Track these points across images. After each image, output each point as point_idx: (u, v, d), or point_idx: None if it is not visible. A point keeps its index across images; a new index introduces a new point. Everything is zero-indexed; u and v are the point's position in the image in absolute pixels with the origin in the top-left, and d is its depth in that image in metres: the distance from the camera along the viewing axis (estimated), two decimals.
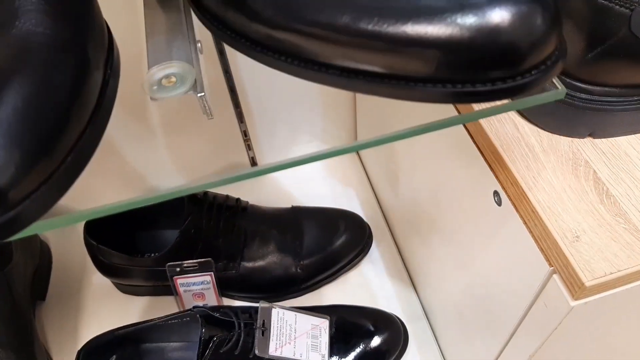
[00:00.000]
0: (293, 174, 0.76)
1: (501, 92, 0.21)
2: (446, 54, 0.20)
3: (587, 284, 0.28)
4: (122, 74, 0.27)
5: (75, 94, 0.22)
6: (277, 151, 0.75)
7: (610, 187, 0.32)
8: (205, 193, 0.63)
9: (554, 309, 0.32)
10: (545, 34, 0.21)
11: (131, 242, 0.64)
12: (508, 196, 0.34)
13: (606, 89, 0.32)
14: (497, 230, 0.37)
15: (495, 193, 0.36)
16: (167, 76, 0.27)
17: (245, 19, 0.25)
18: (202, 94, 0.27)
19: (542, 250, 0.32)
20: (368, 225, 0.68)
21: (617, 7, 0.29)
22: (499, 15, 0.20)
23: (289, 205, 0.68)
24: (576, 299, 0.30)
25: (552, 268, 0.31)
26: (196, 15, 0.29)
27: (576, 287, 0.29)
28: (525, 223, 0.33)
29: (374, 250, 0.68)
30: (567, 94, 0.33)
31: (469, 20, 0.20)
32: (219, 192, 0.64)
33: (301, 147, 0.75)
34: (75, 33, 0.24)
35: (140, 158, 0.69)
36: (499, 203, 0.35)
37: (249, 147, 0.74)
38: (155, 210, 0.64)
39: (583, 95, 0.32)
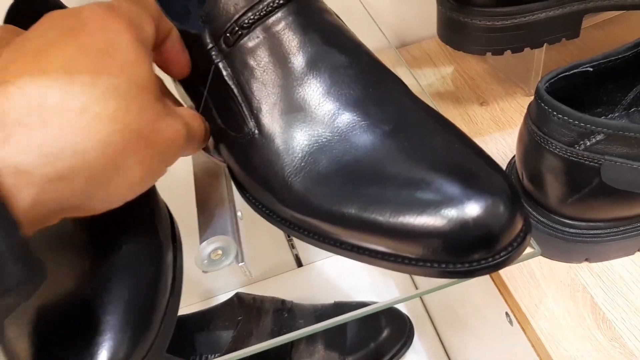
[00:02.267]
0: (333, 266, 0.82)
1: (477, 271, 0.26)
2: (428, 241, 0.26)
3: None
4: None
5: (160, 274, 0.29)
6: (318, 249, 0.81)
7: (606, 311, 0.36)
8: (254, 298, 0.69)
9: None
10: (509, 220, 0.25)
11: (189, 347, 0.71)
12: (517, 319, 0.38)
13: (591, 223, 0.36)
14: (512, 346, 0.41)
15: (507, 314, 0.40)
16: (215, 250, 0.33)
17: (276, 203, 0.32)
18: (242, 263, 0.33)
19: None
20: (408, 317, 0.71)
21: (587, 162, 0.33)
22: (470, 210, 0.25)
23: (332, 301, 0.73)
24: None
25: None
26: (238, 192, 0.36)
27: None
28: (533, 346, 0.37)
29: (416, 341, 0.71)
30: (556, 229, 0.37)
31: (447, 213, 0.25)
32: (266, 295, 0.70)
33: None
34: (150, 225, 0.31)
35: (192, 263, 0.77)
36: (511, 323, 0.39)
37: (292, 246, 0.81)
38: (210, 316, 0.70)
39: (572, 230, 0.37)
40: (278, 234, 0.77)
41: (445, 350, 0.70)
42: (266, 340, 0.66)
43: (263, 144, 0.31)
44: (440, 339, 0.71)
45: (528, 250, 0.30)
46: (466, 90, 0.53)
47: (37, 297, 0.27)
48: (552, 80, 0.35)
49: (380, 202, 0.27)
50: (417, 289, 0.76)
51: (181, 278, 0.32)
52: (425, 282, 0.64)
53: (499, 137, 0.48)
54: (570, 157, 0.34)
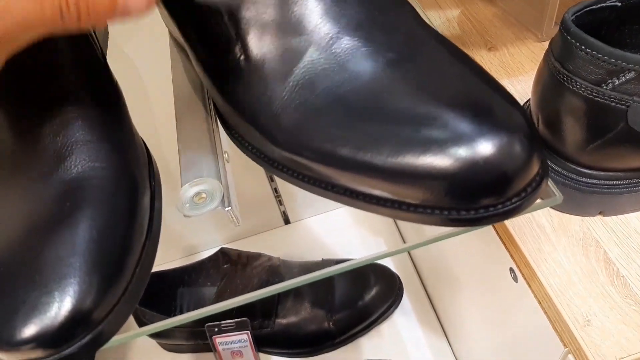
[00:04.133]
0: (322, 224, 0.79)
1: (484, 219, 0.23)
2: (432, 184, 0.22)
3: None
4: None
5: (135, 213, 0.25)
6: (306, 205, 0.78)
7: (620, 267, 0.33)
8: (239, 254, 0.66)
9: None
10: (525, 162, 0.22)
11: (170, 302, 0.68)
12: (523, 275, 0.36)
13: (610, 173, 0.33)
14: (515, 304, 0.38)
15: (511, 270, 0.37)
16: (198, 193, 0.30)
17: (263, 141, 0.28)
18: (229, 208, 0.30)
19: (556, 331, 0.33)
20: (398, 276, 0.69)
21: (613, 104, 0.30)
22: (482, 148, 0.21)
23: (319, 259, 0.70)
24: None
25: (567, 349, 0.32)
26: (223, 128, 0.32)
27: None
28: (539, 303, 0.34)
29: (405, 301, 0.70)
30: (572, 179, 0.34)
31: (454, 152, 0.22)
32: (252, 251, 0.67)
33: (329, 201, 0.77)
34: (123, 158, 0.27)
35: (175, 216, 0.73)
36: (516, 280, 0.37)
37: (280, 203, 0.78)
38: (194, 271, 0.67)
39: (588, 180, 0.34)
40: (265, 189, 0.74)
41: (435, 311, 0.68)
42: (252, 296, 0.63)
43: (250, 72, 0.27)
44: (430, 299, 0.69)
45: (549, 198, 0.27)
46: (474, 35, 0.49)
47: None
48: (579, 14, 0.31)
49: (380, 139, 0.23)
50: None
51: (159, 222, 0.28)
52: (416, 238, 0.62)
53: (508, 84, 0.44)
54: (596, 98, 0.30)
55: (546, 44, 0.34)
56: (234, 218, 0.30)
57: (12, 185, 0.25)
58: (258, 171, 0.71)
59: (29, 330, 0.20)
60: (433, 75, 0.25)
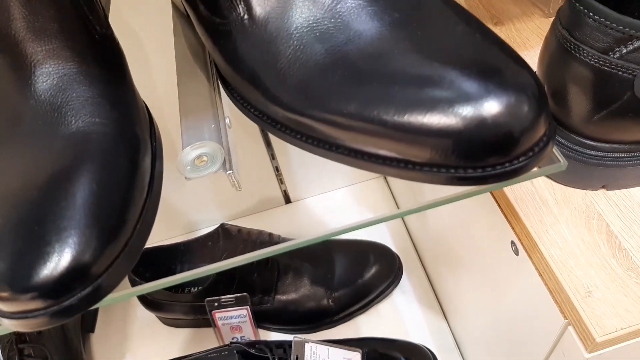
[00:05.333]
0: (323, 205, 0.79)
1: (490, 177, 0.23)
2: (438, 142, 0.22)
3: (599, 339, 0.29)
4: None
5: (135, 170, 0.25)
6: (307, 184, 0.78)
7: (622, 240, 0.33)
8: (239, 230, 0.66)
9: (571, 358, 0.33)
10: (532, 122, 0.22)
11: (164, 274, 0.68)
12: (524, 247, 0.35)
13: (615, 145, 0.33)
14: (515, 277, 0.38)
15: (512, 243, 0.37)
16: (199, 156, 0.30)
17: (266, 102, 0.28)
18: (231, 171, 0.29)
19: (556, 302, 0.33)
20: (398, 256, 0.69)
21: (620, 73, 0.30)
22: (489, 107, 0.21)
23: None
24: (590, 352, 0.31)
25: (567, 321, 0.32)
26: (225, 92, 0.32)
27: (589, 342, 0.30)
28: (540, 275, 0.34)
29: (405, 280, 0.70)
30: (576, 150, 0.34)
31: (461, 111, 0.21)
32: (252, 228, 0.67)
33: (330, 181, 0.77)
34: (124, 116, 0.27)
35: (176, 193, 0.73)
36: (517, 253, 0.37)
37: (281, 182, 0.77)
38: (194, 247, 0.67)
39: (593, 152, 0.34)
40: (266, 168, 0.74)
41: (434, 290, 0.68)
42: (251, 270, 0.63)
43: (253, 31, 0.27)
44: (429, 279, 0.69)
45: (553, 163, 0.27)
46: (479, 9, 0.49)
47: None
48: None
49: (386, 97, 0.23)
50: (407, 228, 0.73)
51: (160, 183, 0.28)
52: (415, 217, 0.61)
53: None
54: (603, 67, 0.30)
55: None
56: (235, 182, 0.30)
57: (13, 139, 0.24)
58: (259, 149, 0.71)
59: (29, 280, 0.20)
60: (439, 34, 0.24)
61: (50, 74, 0.25)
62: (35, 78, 0.25)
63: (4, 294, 0.21)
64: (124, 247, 0.23)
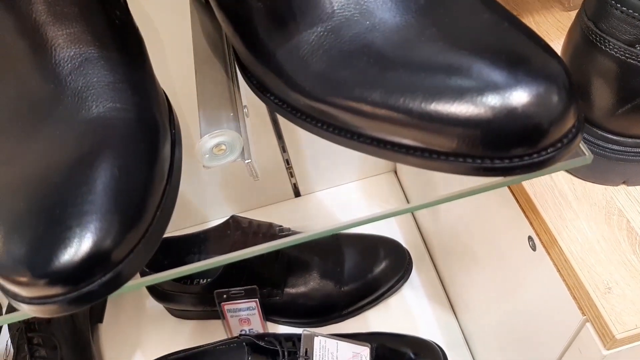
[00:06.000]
0: (333, 199, 0.78)
1: (517, 168, 0.22)
2: (465, 132, 0.22)
3: (618, 336, 0.29)
4: None
5: (156, 156, 0.25)
6: (317, 178, 0.78)
7: None
8: (250, 222, 0.66)
9: (587, 355, 0.33)
10: (562, 113, 0.21)
11: (174, 265, 0.68)
12: (542, 243, 0.35)
13: (638, 140, 0.33)
14: (531, 273, 0.38)
15: (530, 238, 0.36)
16: (218, 145, 0.29)
17: (287, 89, 0.28)
18: (249, 160, 0.29)
19: (575, 299, 0.32)
20: (407, 251, 0.69)
21: None
22: (517, 97, 0.21)
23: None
24: (608, 349, 0.30)
25: (585, 317, 0.32)
26: (244, 80, 0.32)
27: (608, 338, 0.30)
28: (558, 271, 0.34)
29: (414, 275, 0.69)
30: (598, 145, 0.34)
31: (489, 100, 0.21)
32: (262, 220, 0.67)
33: (340, 175, 0.77)
34: (145, 102, 0.27)
35: (187, 185, 0.73)
36: (534, 248, 0.36)
37: (291, 175, 0.77)
38: (204, 238, 0.67)
39: (615, 147, 0.33)
40: (277, 161, 0.74)
41: (443, 286, 0.68)
42: (261, 263, 0.63)
43: (276, 16, 0.26)
44: (438, 274, 0.69)
45: (578, 157, 0.27)
46: (499, 2, 0.48)
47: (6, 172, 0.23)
48: None
49: (412, 86, 0.22)
50: (417, 223, 0.73)
51: (179, 170, 0.28)
52: (427, 213, 0.61)
53: None
54: (628, 59, 0.29)
55: (573, 14, 0.33)
56: (254, 171, 0.30)
57: (33, 123, 0.24)
58: (270, 142, 0.70)
59: (49, 265, 0.20)
60: (466, 22, 0.24)
61: (71, 58, 0.25)
62: (56, 62, 0.25)
63: (23, 279, 0.20)
64: (145, 234, 0.22)
